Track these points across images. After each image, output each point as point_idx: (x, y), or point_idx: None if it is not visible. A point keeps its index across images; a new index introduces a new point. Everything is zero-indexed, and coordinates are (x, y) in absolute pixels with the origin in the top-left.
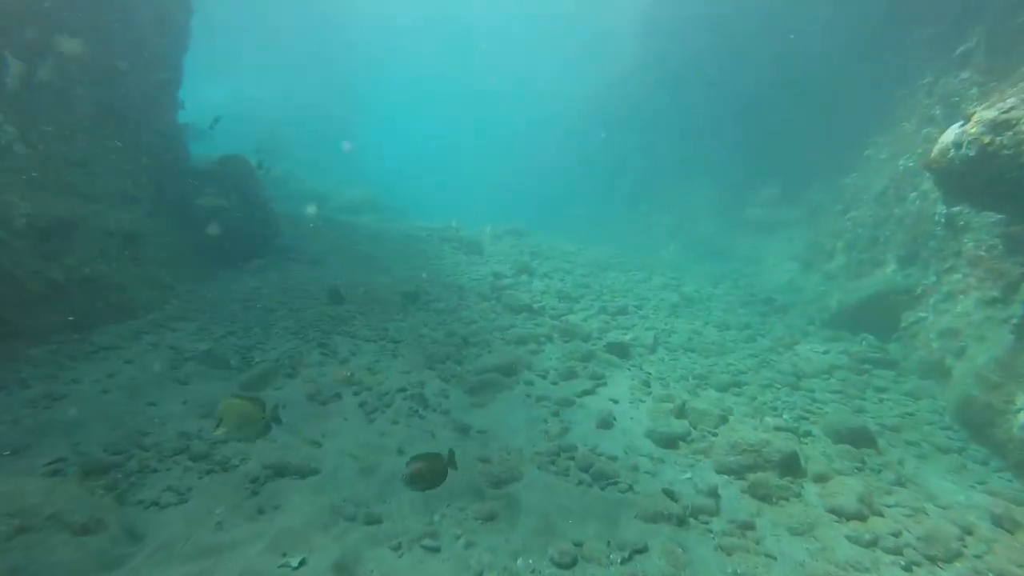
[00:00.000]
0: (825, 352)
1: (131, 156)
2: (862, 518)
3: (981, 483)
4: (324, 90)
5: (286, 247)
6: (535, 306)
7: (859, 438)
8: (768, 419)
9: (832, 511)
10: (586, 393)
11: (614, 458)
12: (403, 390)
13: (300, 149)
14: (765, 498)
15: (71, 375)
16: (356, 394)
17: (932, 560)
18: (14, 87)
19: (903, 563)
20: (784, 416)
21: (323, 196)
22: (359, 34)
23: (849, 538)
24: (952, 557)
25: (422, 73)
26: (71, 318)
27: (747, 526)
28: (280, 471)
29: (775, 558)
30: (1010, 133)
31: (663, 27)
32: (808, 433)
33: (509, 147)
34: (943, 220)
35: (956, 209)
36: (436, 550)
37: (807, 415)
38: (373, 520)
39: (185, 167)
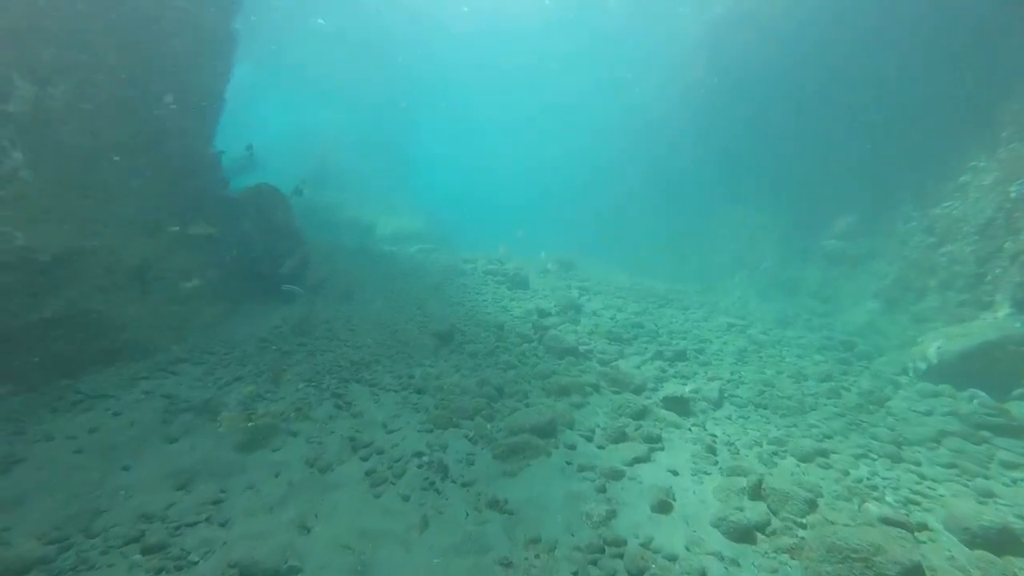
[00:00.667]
0: (927, 412)
1: (160, 184)
2: None
3: None
4: (383, 121)
5: (320, 280)
6: (581, 349)
7: (1001, 541)
8: (870, 505)
9: None
10: (638, 461)
11: (673, 558)
12: (420, 455)
13: (355, 178)
14: None
15: (44, 430)
16: (364, 460)
17: None
18: (23, 110)
19: None
20: (888, 500)
21: (369, 226)
22: (416, 64)
23: None
24: None
25: (475, 99)
26: (37, 359)
27: None
28: (248, 570)
29: None
30: None
31: (730, 39)
32: (924, 526)
33: (566, 171)
34: None
35: None
36: None
37: (918, 499)
38: None
39: (216, 196)
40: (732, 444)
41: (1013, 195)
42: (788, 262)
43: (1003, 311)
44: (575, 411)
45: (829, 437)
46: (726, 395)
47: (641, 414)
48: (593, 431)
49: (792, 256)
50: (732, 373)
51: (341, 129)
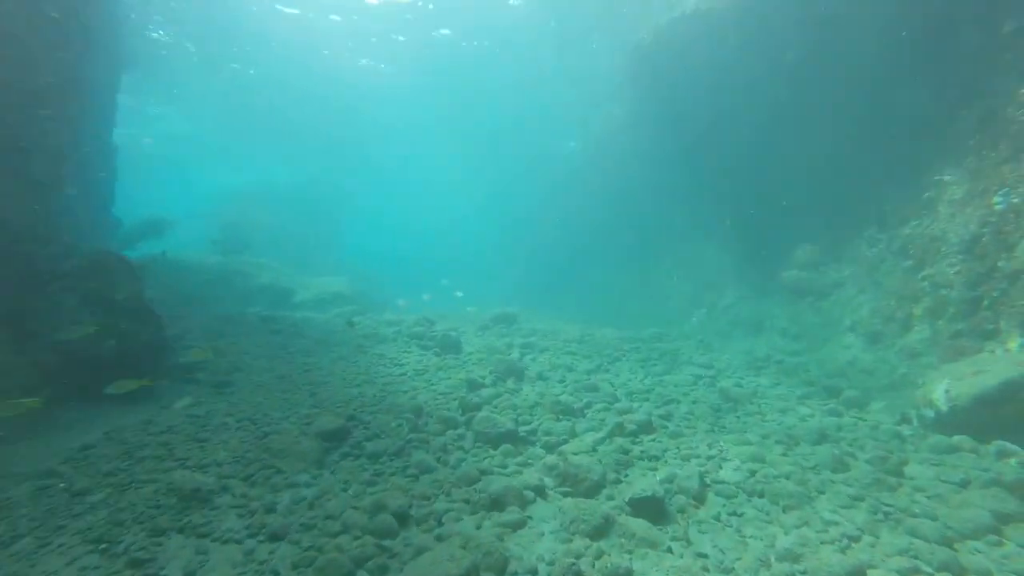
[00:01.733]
0: (962, 484)
1: None
2: None
3: None
4: (307, 181)
5: (193, 364)
6: (522, 431)
7: None
8: None
9: None
10: None
11: None
12: None
13: (277, 239)
14: None
15: None
16: None
17: None
18: None
19: None
20: None
21: (287, 290)
22: (339, 125)
23: None
24: None
25: (397, 151)
26: None
27: None
28: None
29: None
30: None
31: (663, 66)
32: None
33: (507, 219)
34: None
35: None
36: None
37: None
38: None
39: (42, 270)
40: (731, 571)
41: (999, 207)
42: (748, 298)
43: (1015, 342)
44: (510, 537)
45: (856, 539)
46: (708, 482)
47: (602, 530)
48: (535, 570)
49: (751, 291)
50: (710, 446)
51: (263, 189)
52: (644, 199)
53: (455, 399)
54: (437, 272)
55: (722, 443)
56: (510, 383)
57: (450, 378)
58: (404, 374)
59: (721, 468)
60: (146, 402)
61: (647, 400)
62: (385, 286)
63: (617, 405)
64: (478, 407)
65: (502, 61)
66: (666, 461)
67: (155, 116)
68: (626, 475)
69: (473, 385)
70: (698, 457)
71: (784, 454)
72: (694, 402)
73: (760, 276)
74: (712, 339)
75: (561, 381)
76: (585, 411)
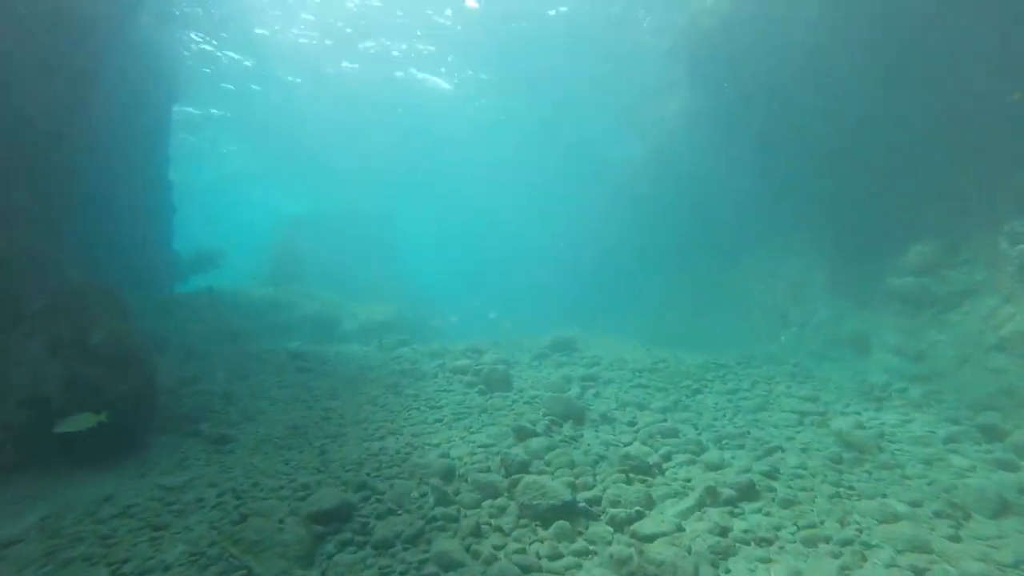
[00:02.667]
0: None
1: None
2: None
3: None
4: (360, 206)
5: (201, 409)
6: (580, 500)
7: None
8: None
9: None
10: None
11: None
12: None
13: (328, 268)
14: None
15: None
16: None
17: None
18: None
19: None
20: None
21: (333, 320)
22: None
23: None
24: None
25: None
26: None
27: None
28: None
29: None
30: None
31: (724, 54)
32: None
33: (564, 232)
34: None
35: None
36: None
37: None
38: None
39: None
40: None
41: None
42: (847, 312)
43: None
44: None
45: None
46: None
47: None
48: None
49: (850, 304)
50: (842, 521)
51: (315, 217)
52: (715, 203)
53: (497, 453)
54: (490, 291)
55: (857, 516)
56: (568, 429)
57: (495, 424)
58: (440, 420)
59: (865, 561)
60: (129, 463)
61: (741, 447)
62: (440, 310)
63: (705, 456)
64: (526, 465)
65: (547, 50)
66: (782, 548)
67: (212, 151)
68: (727, 572)
69: (522, 433)
70: (827, 541)
71: (955, 536)
72: (804, 450)
73: (860, 285)
74: (807, 362)
75: (631, 424)
76: (664, 466)
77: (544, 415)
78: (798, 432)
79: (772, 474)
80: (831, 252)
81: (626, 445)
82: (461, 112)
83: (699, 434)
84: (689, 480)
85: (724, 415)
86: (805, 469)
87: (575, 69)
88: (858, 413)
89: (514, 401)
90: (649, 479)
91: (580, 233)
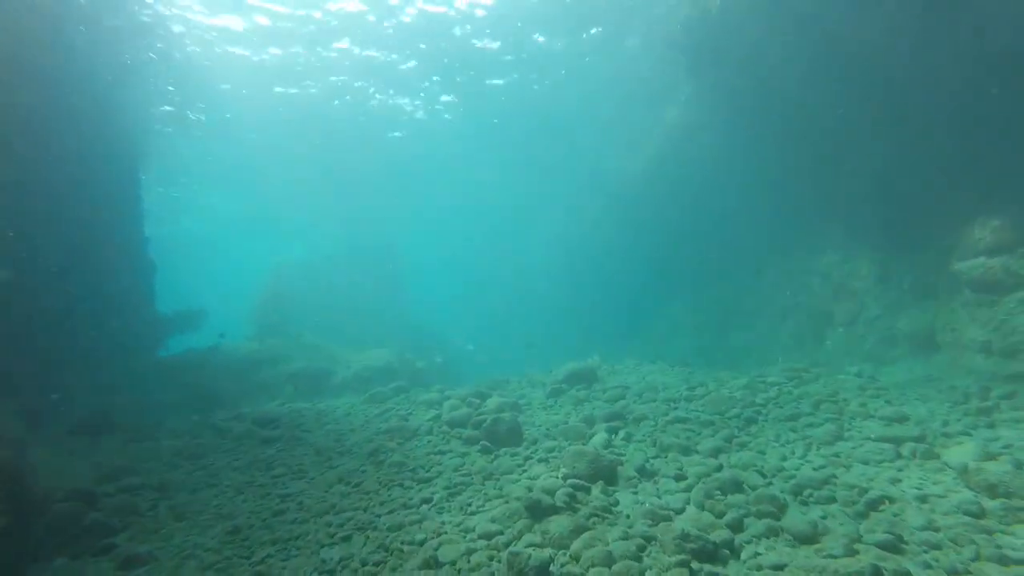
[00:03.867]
0: None
1: None
2: None
3: None
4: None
5: (123, 513)
6: None
7: None
8: None
9: None
10: None
11: None
12: None
13: (322, 312)
14: None
15: None
16: None
17: None
18: None
19: None
20: None
21: (320, 374)
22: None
23: None
24: None
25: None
26: None
27: None
28: None
29: None
30: None
31: (724, 46)
32: None
33: (569, 254)
34: None
35: None
36: None
37: None
38: None
39: None
40: None
41: None
42: (903, 305)
43: None
44: None
45: None
46: None
47: None
48: None
49: (905, 295)
50: None
51: (304, 260)
52: (729, 208)
53: (505, 546)
54: (497, 318)
55: None
56: (597, 494)
57: (501, 496)
58: (429, 500)
59: None
60: None
61: (832, 500)
62: (442, 343)
63: (788, 522)
64: (544, 568)
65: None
66: None
67: (192, 202)
68: None
69: (537, 510)
70: None
71: None
72: (922, 500)
73: (917, 273)
74: (862, 367)
75: (678, 477)
76: (737, 543)
77: (565, 477)
78: (901, 470)
79: (895, 546)
80: (876, 239)
81: (678, 513)
82: (445, 134)
83: (769, 483)
84: (781, 569)
85: (793, 451)
86: (938, 532)
87: (561, 94)
88: (969, 434)
89: (526, 459)
90: (721, 569)
91: (589, 254)
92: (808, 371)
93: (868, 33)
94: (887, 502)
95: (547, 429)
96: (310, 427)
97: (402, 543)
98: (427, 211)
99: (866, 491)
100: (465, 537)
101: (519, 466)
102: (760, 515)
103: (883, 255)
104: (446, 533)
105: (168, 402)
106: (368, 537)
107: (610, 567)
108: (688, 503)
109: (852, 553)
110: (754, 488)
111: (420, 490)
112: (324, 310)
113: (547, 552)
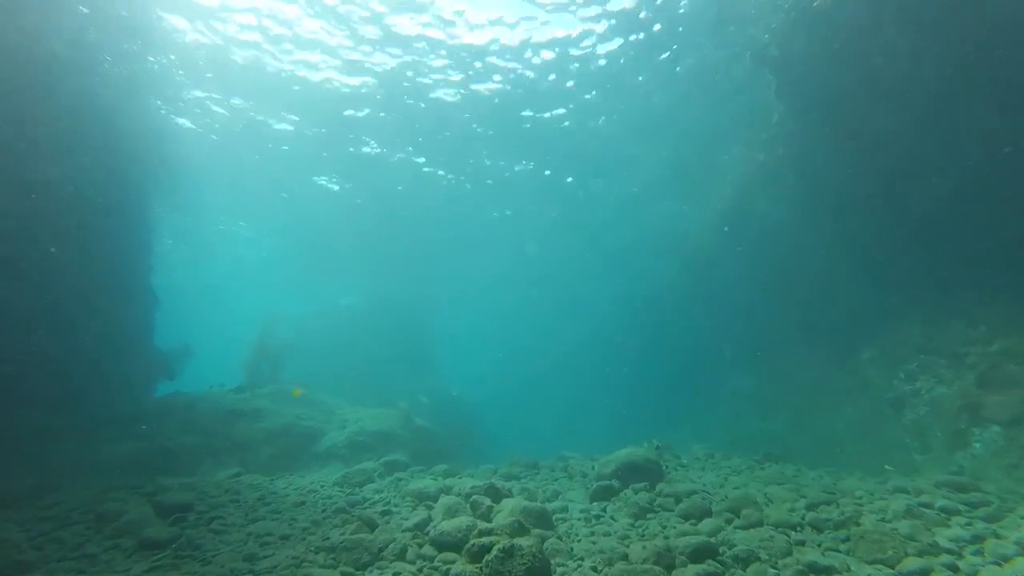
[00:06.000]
0: None
1: None
2: None
3: None
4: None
5: None
6: None
7: None
8: None
9: None
10: None
11: None
12: None
13: (321, 361)
14: None
15: None
16: None
17: None
18: None
19: None
20: None
21: (307, 435)
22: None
23: None
24: None
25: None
26: None
27: None
28: None
29: None
30: None
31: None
32: None
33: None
34: None
35: None
36: None
37: None
38: None
39: None
40: None
41: None
42: None
43: None
44: None
45: None
46: None
47: None
48: None
49: None
50: None
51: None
52: (815, 270)
53: None
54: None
55: None
56: None
57: None
58: None
59: None
60: None
61: None
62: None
63: None
64: None
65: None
66: None
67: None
68: None
69: None
70: None
71: None
72: None
73: None
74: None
75: None
76: None
77: None
78: None
79: None
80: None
81: None
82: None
83: None
84: None
85: None
86: None
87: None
88: None
89: None
90: None
91: (635, 325)
92: (972, 488)
93: None
94: None
95: (594, 568)
96: (231, 524)
97: None
98: (471, 274)
99: None
100: None
101: None
102: None
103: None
104: None
105: (109, 460)
106: None
107: None
108: None
109: None
110: None
111: None
112: (335, 364)
113: None
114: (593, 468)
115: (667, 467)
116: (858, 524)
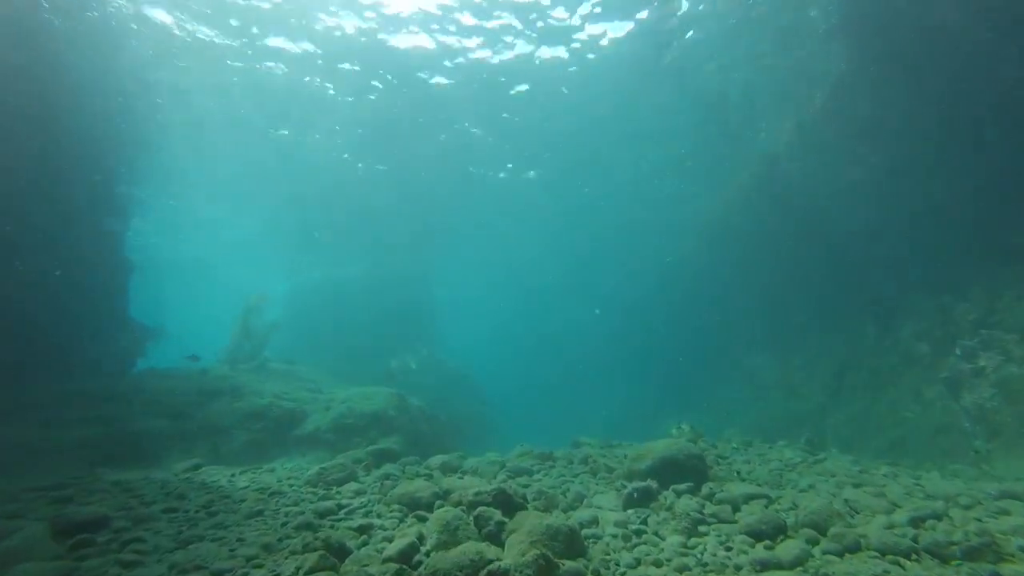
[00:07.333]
0: None
1: None
2: None
3: None
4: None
5: None
6: None
7: None
8: None
9: None
10: None
11: None
12: None
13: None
14: None
15: None
16: None
17: None
18: None
19: None
20: None
21: (288, 416)
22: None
23: None
24: None
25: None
26: None
27: None
28: None
29: None
30: None
31: None
32: None
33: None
34: None
35: None
36: None
37: None
38: None
39: None
40: None
41: None
42: None
43: None
44: None
45: None
46: None
47: None
48: None
49: None
50: None
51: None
52: (855, 236)
53: None
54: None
55: None
56: None
57: None
58: None
59: None
60: None
61: None
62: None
63: None
64: None
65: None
66: None
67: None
68: None
69: None
70: None
71: None
72: None
73: None
74: None
75: None
76: None
77: None
78: None
79: None
80: None
81: None
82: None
83: None
84: None
85: None
86: None
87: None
88: None
89: None
90: None
91: (647, 302)
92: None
93: None
94: None
95: None
96: (152, 550)
97: None
98: (487, 259)
99: None
100: None
101: None
102: None
103: None
104: None
105: (57, 447)
106: None
107: None
108: None
109: None
110: None
111: None
112: (326, 337)
113: None
114: (621, 463)
115: (709, 463)
116: (999, 554)
